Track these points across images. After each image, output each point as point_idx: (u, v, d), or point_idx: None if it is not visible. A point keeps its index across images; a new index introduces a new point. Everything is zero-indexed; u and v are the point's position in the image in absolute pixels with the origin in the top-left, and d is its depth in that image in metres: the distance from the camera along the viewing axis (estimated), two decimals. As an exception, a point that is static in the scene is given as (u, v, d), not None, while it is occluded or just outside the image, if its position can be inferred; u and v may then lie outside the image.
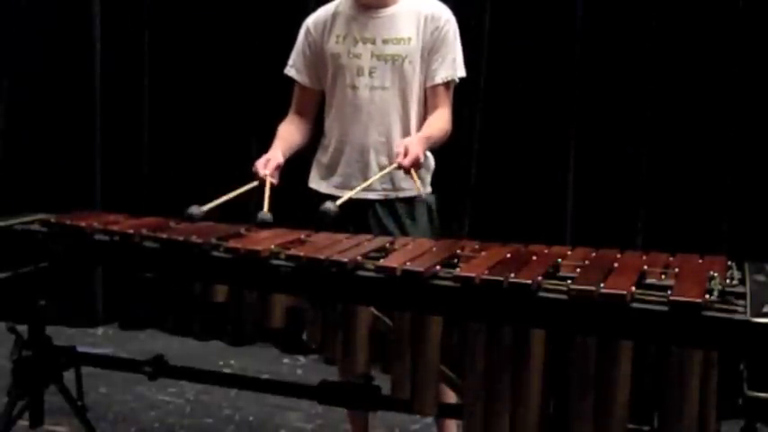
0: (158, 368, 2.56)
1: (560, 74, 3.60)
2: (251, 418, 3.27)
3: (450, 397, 2.16)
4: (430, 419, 2.99)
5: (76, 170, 4.29)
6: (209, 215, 2.31)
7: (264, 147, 3.99)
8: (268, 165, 2.45)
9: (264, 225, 2.26)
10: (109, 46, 4.27)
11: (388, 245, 2.09)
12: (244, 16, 4.06)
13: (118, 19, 4.26)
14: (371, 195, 2.49)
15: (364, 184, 2.38)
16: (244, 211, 2.40)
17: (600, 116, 3.56)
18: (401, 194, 2.52)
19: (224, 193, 2.35)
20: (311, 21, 2.60)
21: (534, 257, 1.94)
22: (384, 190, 2.50)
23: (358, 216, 2.44)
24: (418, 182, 2.39)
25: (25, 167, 4.33)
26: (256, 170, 2.44)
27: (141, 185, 4.26)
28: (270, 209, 2.32)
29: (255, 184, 2.43)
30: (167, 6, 4.20)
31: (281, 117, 2.69)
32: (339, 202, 2.23)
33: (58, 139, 4.30)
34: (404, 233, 2.45)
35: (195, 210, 2.29)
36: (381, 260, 1.91)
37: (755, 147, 3.36)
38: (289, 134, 2.60)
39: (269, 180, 2.40)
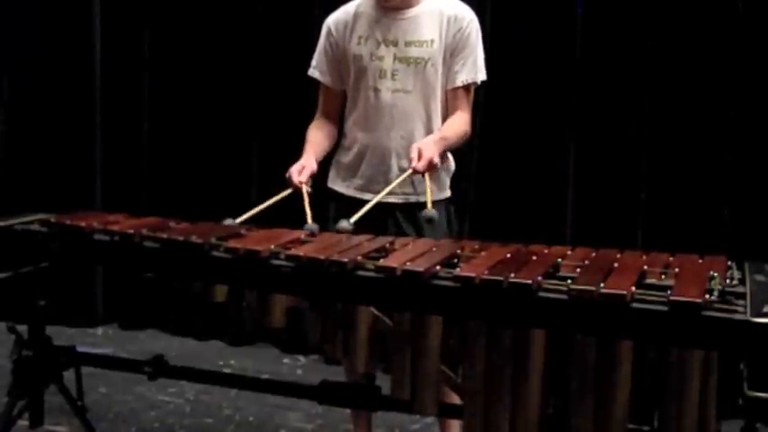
0: (158, 368, 2.56)
1: (560, 74, 3.60)
2: (251, 418, 3.27)
3: (451, 397, 2.16)
4: (430, 419, 2.99)
5: (76, 170, 4.29)
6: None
7: (265, 147, 4.01)
8: (303, 172, 2.42)
9: (312, 237, 2.24)
10: (109, 46, 4.27)
11: (388, 245, 2.09)
12: (245, 16, 4.05)
13: (118, 19, 4.26)
14: (392, 199, 2.47)
15: (379, 196, 2.35)
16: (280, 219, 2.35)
17: (600, 116, 3.57)
18: (422, 198, 2.49)
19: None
20: (332, 21, 2.57)
21: (534, 257, 1.94)
22: (404, 194, 2.49)
23: (377, 219, 2.42)
24: (429, 188, 2.36)
25: (25, 167, 4.33)
26: (290, 177, 2.41)
27: (141, 185, 4.26)
28: (313, 218, 2.29)
29: (289, 191, 2.40)
30: (167, 6, 4.20)
31: (281, 117, 2.68)
32: (353, 219, 2.22)
33: (58, 139, 4.30)
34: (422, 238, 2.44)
35: (229, 222, 2.28)
36: (381, 260, 1.91)
37: (755, 146, 3.36)
38: (318, 139, 2.58)
39: (305, 189, 2.38)
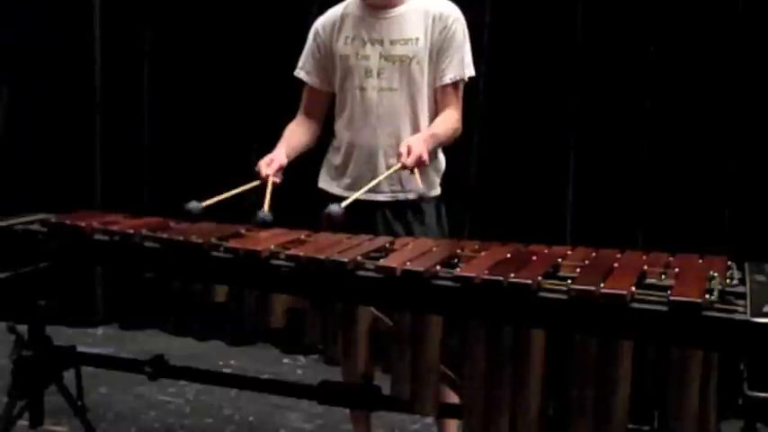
0: (158, 368, 2.56)
1: (560, 73, 3.60)
2: (251, 418, 3.27)
3: (451, 397, 2.16)
4: (430, 419, 2.99)
5: (76, 170, 4.29)
6: (207, 211, 2.30)
7: (265, 147, 3.98)
8: (271, 165, 2.43)
9: (264, 224, 2.25)
10: (109, 46, 4.27)
11: (388, 245, 2.10)
12: (245, 16, 4.06)
13: (118, 19, 4.26)
14: (380, 197, 2.48)
15: (370, 185, 2.35)
16: (244, 211, 2.37)
17: (600, 116, 3.56)
18: (410, 196, 2.50)
19: (224, 193, 2.35)
20: (320, 22, 2.59)
21: (534, 257, 1.94)
22: (392, 191, 2.49)
23: (365, 218, 2.43)
24: (419, 180, 2.36)
25: (25, 167, 4.33)
26: (259, 169, 2.43)
27: (141, 185, 4.26)
28: (270, 208, 2.31)
29: (257, 183, 2.42)
30: (168, 6, 4.20)
31: (281, 117, 2.68)
32: (344, 203, 2.21)
33: (58, 139, 4.30)
34: (412, 236, 2.44)
35: (194, 205, 2.29)
36: (381, 260, 1.91)
37: (755, 146, 3.36)
38: (294, 135, 2.59)
39: (271, 179, 2.39)
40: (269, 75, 3.96)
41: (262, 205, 2.31)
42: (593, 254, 1.99)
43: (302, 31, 2.69)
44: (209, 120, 4.14)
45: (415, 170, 2.35)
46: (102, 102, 4.30)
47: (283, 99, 2.76)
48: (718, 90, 3.39)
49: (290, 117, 2.68)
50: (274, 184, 2.39)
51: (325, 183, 2.64)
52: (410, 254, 1.97)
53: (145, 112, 4.26)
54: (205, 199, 2.32)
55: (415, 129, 2.49)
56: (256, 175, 2.42)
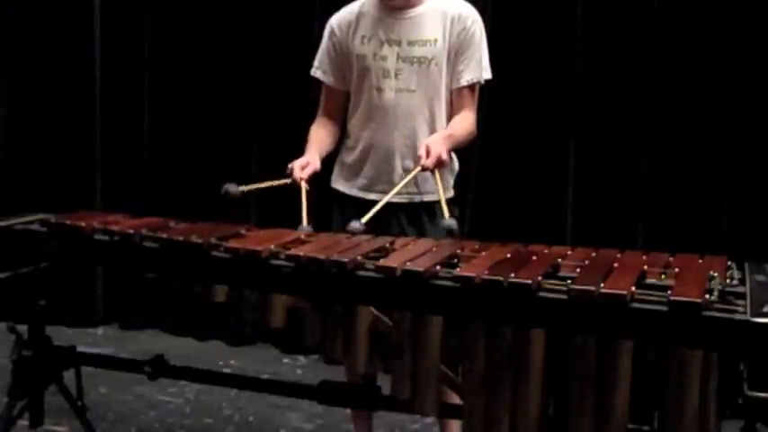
0: (158, 368, 2.56)
1: (561, 73, 3.60)
2: (251, 418, 3.27)
3: (451, 397, 2.16)
4: (430, 419, 2.99)
5: (76, 170, 4.29)
6: (244, 196, 2.33)
7: (265, 147, 4.01)
8: (305, 169, 2.41)
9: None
10: (109, 46, 4.27)
11: (387, 245, 2.09)
12: (245, 16, 4.05)
13: (118, 18, 4.26)
14: (395, 199, 2.45)
15: (389, 196, 2.33)
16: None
17: (600, 115, 3.57)
18: (425, 198, 2.50)
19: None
20: (335, 21, 2.57)
21: (534, 257, 1.94)
22: (408, 194, 2.48)
23: (380, 219, 2.41)
24: (440, 185, 2.36)
25: (25, 167, 4.33)
26: (292, 170, 2.40)
27: (141, 185, 4.26)
28: (309, 219, 2.28)
29: (289, 180, 2.40)
30: (168, 6, 4.20)
31: (281, 117, 2.68)
32: (364, 219, 2.19)
33: (58, 139, 4.30)
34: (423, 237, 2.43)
35: (233, 188, 2.29)
36: (381, 260, 1.91)
37: (756, 146, 3.37)
38: (320, 138, 2.57)
39: (304, 186, 2.37)
40: (269, 75, 3.96)
41: (300, 217, 2.28)
42: (593, 254, 1.99)
43: (303, 31, 2.70)
44: (210, 120, 4.14)
45: (436, 172, 2.34)
46: (102, 102, 4.29)
47: (284, 99, 2.76)
48: (718, 89, 3.39)
49: (290, 117, 2.68)
50: (307, 191, 2.36)
51: (339, 183, 2.62)
52: (410, 254, 1.97)
53: (145, 113, 4.26)
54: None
55: (432, 130, 2.49)
56: (289, 175, 2.40)
